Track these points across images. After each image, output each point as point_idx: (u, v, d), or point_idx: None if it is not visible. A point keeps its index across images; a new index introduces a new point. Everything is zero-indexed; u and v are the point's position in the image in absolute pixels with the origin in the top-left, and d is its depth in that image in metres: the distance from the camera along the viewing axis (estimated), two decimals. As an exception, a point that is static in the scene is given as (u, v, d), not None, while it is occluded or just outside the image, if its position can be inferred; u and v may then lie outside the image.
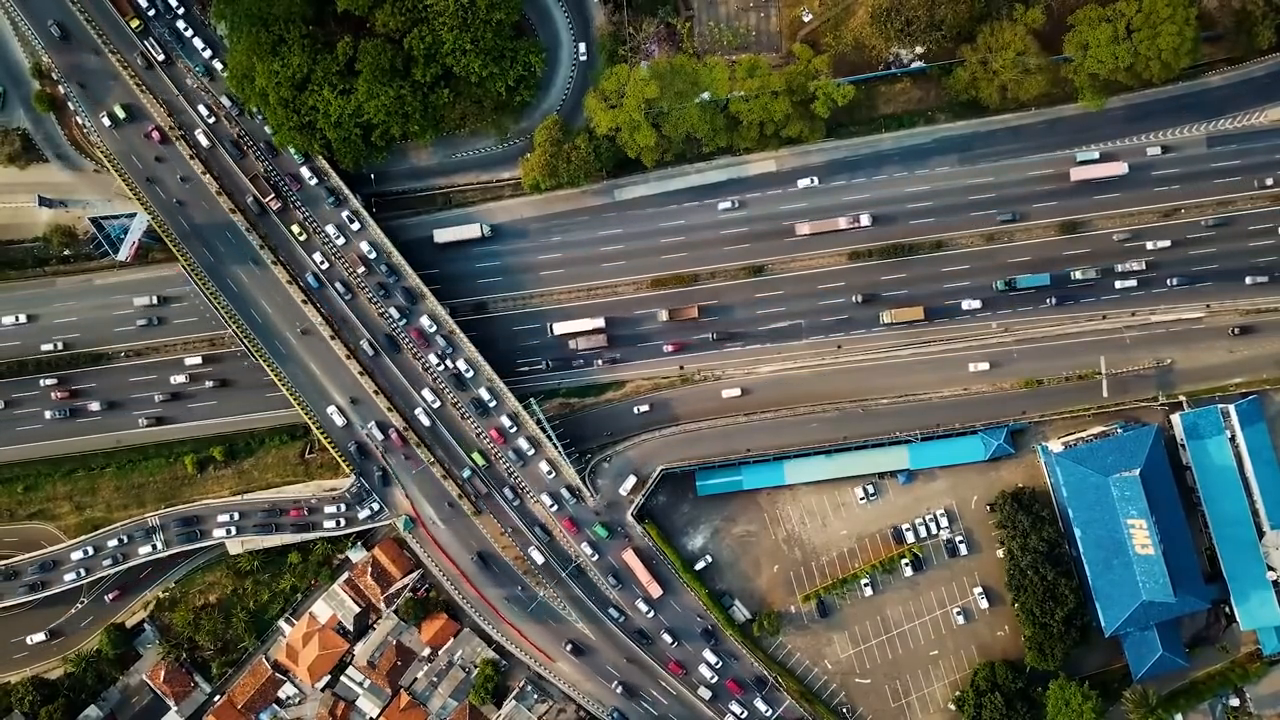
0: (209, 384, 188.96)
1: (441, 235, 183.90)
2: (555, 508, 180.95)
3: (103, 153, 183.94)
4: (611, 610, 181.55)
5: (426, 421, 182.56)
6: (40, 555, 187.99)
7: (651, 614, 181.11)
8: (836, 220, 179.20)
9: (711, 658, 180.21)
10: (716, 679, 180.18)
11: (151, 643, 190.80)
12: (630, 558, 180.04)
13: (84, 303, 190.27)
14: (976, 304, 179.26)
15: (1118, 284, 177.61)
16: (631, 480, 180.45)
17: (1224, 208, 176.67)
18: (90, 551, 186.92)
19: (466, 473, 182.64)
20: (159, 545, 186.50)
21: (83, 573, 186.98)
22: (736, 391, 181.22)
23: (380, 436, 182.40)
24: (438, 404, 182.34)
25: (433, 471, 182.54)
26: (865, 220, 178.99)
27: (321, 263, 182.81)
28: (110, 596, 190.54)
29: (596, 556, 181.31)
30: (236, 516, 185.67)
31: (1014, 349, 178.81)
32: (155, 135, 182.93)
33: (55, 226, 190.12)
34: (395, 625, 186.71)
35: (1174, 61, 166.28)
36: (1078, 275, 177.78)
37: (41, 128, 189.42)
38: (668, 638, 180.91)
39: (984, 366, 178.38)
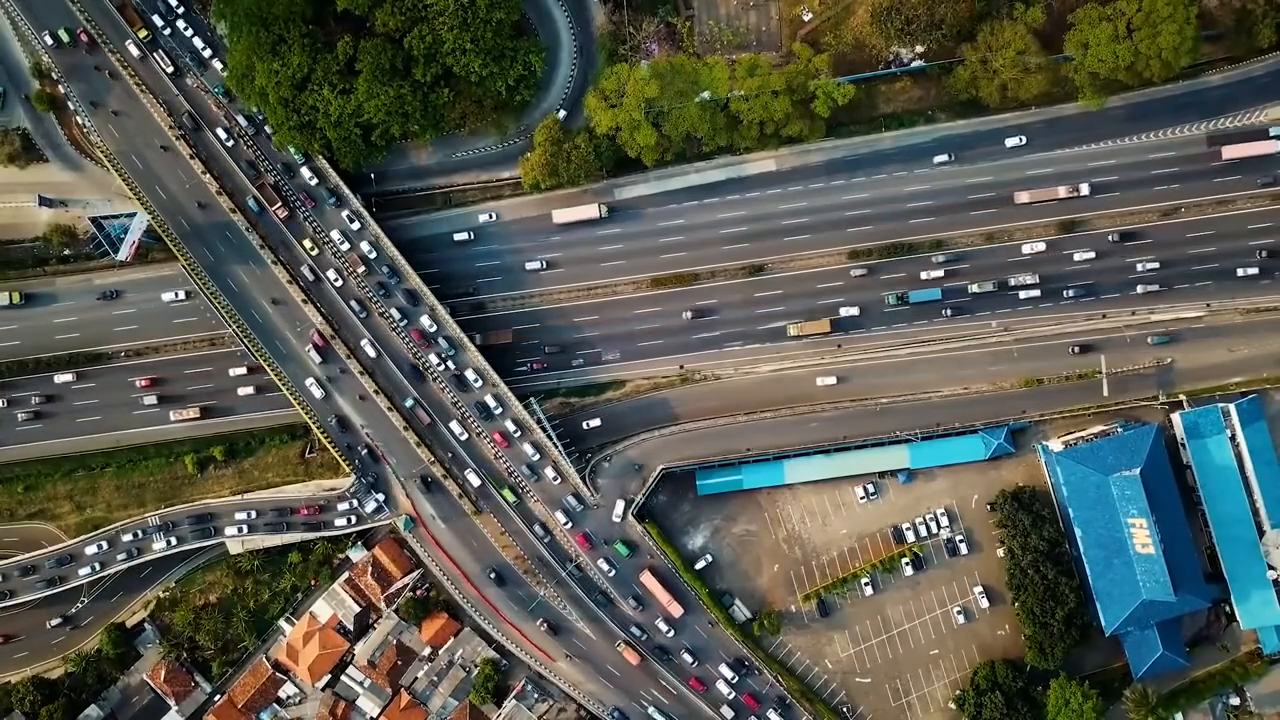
0: (35, 400, 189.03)
1: (560, 216, 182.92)
2: (569, 525, 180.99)
3: (103, 152, 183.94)
4: (633, 629, 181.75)
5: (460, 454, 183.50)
6: (56, 550, 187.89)
7: (672, 633, 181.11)
8: (1056, 189, 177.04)
9: (728, 673, 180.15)
10: (734, 694, 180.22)
11: (152, 642, 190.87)
12: (649, 580, 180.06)
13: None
14: (854, 310, 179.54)
15: (1021, 294, 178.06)
16: (620, 504, 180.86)
17: (1223, 206, 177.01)
18: (105, 546, 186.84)
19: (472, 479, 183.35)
20: (173, 541, 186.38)
21: (97, 567, 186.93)
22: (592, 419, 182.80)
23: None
24: (465, 436, 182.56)
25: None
26: (1085, 189, 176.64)
27: (336, 280, 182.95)
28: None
29: (614, 572, 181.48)
30: (253, 515, 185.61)
31: (1014, 348, 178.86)
32: (84, 38, 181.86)
33: (55, 226, 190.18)
34: (396, 625, 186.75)
35: (1174, 60, 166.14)
36: (974, 289, 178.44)
37: (41, 127, 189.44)
38: (688, 657, 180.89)
39: (832, 381, 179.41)
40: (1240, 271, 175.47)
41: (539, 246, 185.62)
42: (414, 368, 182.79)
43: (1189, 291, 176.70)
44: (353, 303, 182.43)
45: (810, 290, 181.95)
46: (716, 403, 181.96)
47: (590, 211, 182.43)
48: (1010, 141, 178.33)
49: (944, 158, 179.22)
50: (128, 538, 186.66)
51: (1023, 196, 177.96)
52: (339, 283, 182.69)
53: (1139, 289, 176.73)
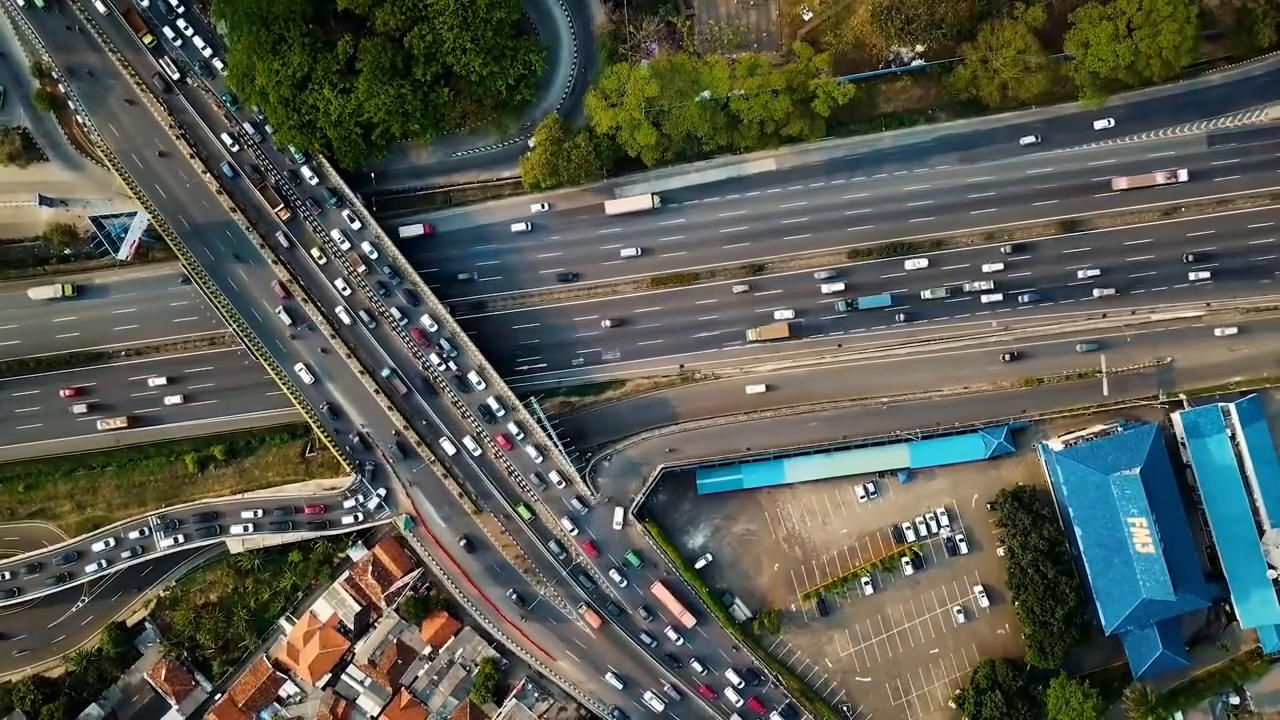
0: None
1: (613, 206, 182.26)
2: (576, 531, 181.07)
3: (103, 151, 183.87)
4: (643, 636, 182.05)
5: (471, 462, 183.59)
6: (63, 547, 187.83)
7: (681, 641, 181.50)
8: (1154, 175, 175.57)
9: (735, 679, 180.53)
10: (742, 701, 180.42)
11: (152, 641, 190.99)
12: (660, 591, 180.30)
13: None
14: (789, 314, 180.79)
15: (984, 299, 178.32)
16: (619, 512, 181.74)
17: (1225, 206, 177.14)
18: (111, 543, 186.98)
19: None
20: (179, 539, 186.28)
21: (103, 564, 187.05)
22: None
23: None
24: (479, 451, 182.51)
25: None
26: (1183, 175, 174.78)
27: (344, 289, 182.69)
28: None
29: (625, 583, 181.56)
30: (259, 514, 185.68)
31: (1014, 347, 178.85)
32: None
33: (56, 225, 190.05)
34: (396, 624, 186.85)
35: (1175, 60, 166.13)
36: (926, 294, 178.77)
37: (42, 126, 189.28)
38: (697, 665, 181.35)
39: (761, 389, 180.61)
40: (1192, 275, 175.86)
41: (541, 246, 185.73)
42: (425, 380, 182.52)
43: (1188, 291, 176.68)
44: (362, 313, 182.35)
45: (811, 289, 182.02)
46: (713, 402, 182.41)
47: (643, 202, 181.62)
48: (1099, 124, 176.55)
49: (1031, 139, 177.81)
50: (134, 535, 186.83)
51: (1120, 183, 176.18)
52: (347, 292, 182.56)
53: (1095, 293, 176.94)
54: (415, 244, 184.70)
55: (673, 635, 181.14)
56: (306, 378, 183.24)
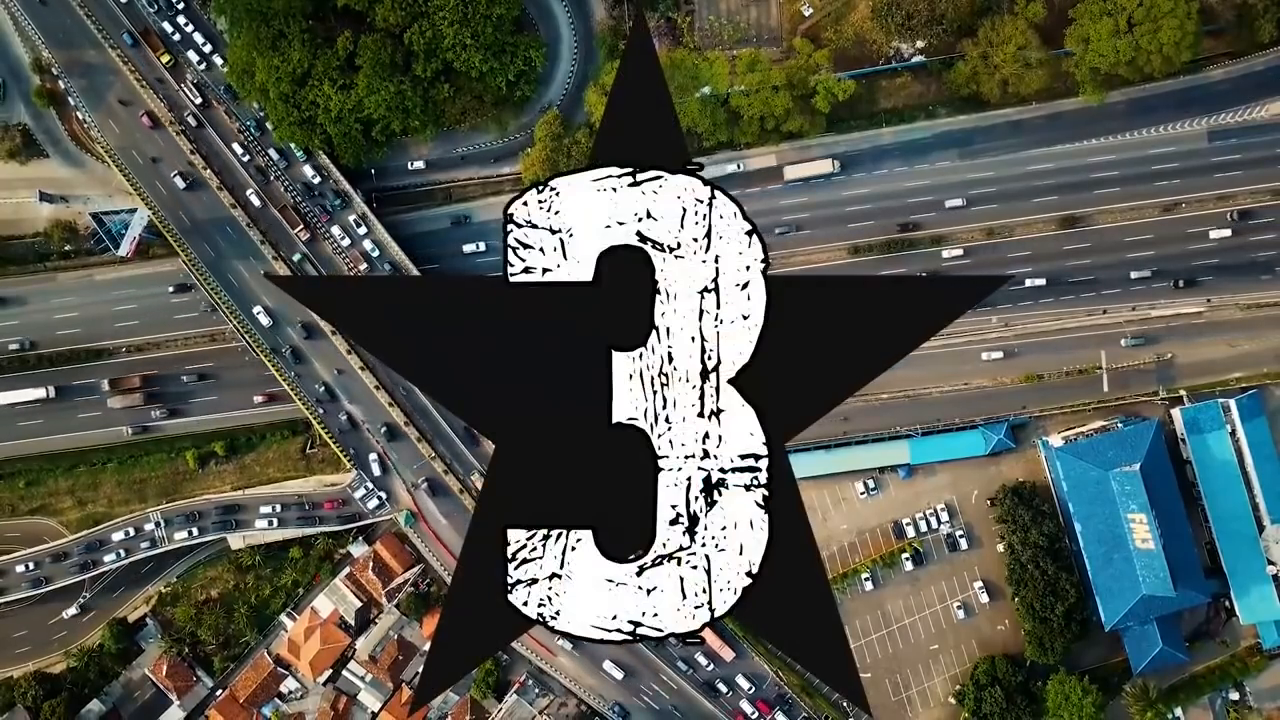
0: None
1: (792, 172, 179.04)
2: None
3: (103, 148, 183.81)
4: (680, 663, 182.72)
5: None
6: (84, 537, 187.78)
7: (712, 667, 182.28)
8: None
9: (745, 684, 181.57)
10: (757, 715, 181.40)
11: (153, 638, 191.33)
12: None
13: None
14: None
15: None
16: None
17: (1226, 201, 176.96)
18: (132, 532, 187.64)
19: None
20: (194, 532, 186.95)
21: (122, 554, 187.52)
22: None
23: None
24: None
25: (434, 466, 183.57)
26: None
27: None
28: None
29: None
30: (279, 508, 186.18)
31: (1015, 344, 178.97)
32: None
33: (56, 222, 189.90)
34: (396, 620, 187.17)
35: (1175, 55, 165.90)
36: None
37: (42, 123, 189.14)
38: (723, 686, 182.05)
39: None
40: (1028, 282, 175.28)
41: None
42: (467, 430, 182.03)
43: (1187, 288, 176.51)
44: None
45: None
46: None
47: (823, 167, 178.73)
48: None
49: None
50: (149, 526, 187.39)
51: None
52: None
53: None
54: (415, 241, 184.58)
55: (703, 660, 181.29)
56: (265, 320, 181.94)
